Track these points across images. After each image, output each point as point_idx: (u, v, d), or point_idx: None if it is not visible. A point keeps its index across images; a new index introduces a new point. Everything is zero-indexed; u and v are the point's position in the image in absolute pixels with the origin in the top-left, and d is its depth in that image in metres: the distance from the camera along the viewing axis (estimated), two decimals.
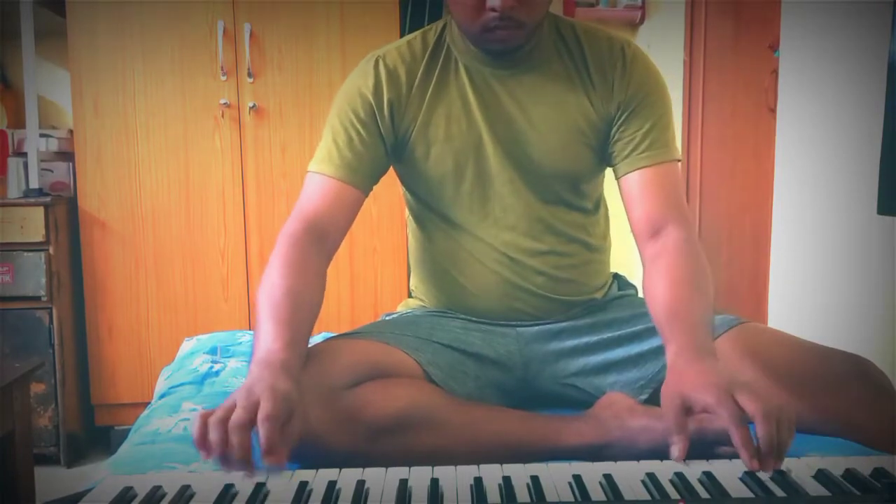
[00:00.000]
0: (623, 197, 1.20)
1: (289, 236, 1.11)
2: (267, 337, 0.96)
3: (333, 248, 1.16)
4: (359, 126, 1.18)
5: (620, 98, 1.19)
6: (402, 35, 2.58)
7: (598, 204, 1.31)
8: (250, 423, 0.81)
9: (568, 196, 1.24)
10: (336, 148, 1.17)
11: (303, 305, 1.03)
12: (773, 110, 2.84)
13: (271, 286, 1.03)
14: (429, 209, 1.26)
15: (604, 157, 1.24)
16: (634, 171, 1.18)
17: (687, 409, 0.88)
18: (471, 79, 1.19)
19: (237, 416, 0.81)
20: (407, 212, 1.35)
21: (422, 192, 1.26)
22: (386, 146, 1.20)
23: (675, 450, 0.85)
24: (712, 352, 0.96)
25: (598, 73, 1.19)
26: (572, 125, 1.19)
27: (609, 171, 1.28)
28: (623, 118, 1.19)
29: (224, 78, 2.53)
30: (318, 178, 1.17)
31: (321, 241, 1.13)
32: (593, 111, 1.19)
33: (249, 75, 2.54)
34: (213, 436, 0.80)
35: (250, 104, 2.55)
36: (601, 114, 1.19)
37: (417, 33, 1.24)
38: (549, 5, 1.15)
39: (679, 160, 1.21)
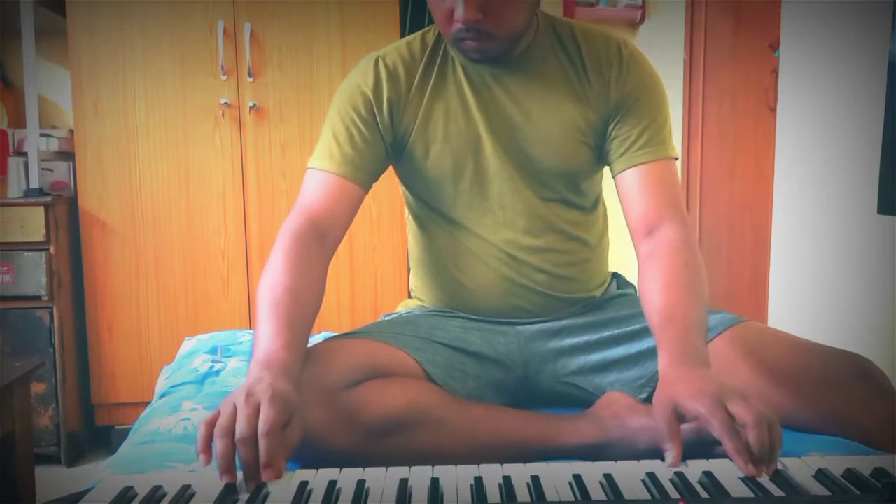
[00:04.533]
0: (619, 195, 1.20)
1: (290, 232, 1.10)
2: (266, 336, 0.96)
3: (334, 245, 1.16)
4: (359, 123, 1.18)
5: (617, 97, 1.19)
6: (402, 35, 2.59)
7: (597, 203, 1.31)
8: (255, 433, 0.81)
9: (567, 194, 1.24)
10: (337, 144, 1.17)
11: (303, 303, 1.03)
12: (773, 110, 2.84)
13: (272, 283, 1.03)
14: (428, 207, 1.27)
15: (601, 156, 1.24)
16: (630, 168, 1.17)
17: (679, 417, 0.88)
18: (468, 78, 1.20)
19: (242, 429, 0.80)
20: (406, 211, 1.35)
21: (421, 190, 1.26)
22: (385, 144, 1.20)
23: (669, 456, 0.85)
24: (705, 360, 0.95)
25: (594, 71, 1.19)
26: (569, 123, 1.19)
27: (607, 171, 1.28)
28: (619, 116, 1.19)
29: (224, 77, 2.53)
30: (318, 175, 1.17)
31: (322, 238, 1.13)
32: (590, 110, 1.19)
33: (249, 75, 2.54)
34: (219, 446, 0.80)
35: (250, 104, 2.55)
36: (598, 112, 1.20)
37: (417, 34, 1.25)
38: (529, 14, 1.14)
39: (676, 158, 1.20)
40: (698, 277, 1.08)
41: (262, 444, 0.80)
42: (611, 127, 1.20)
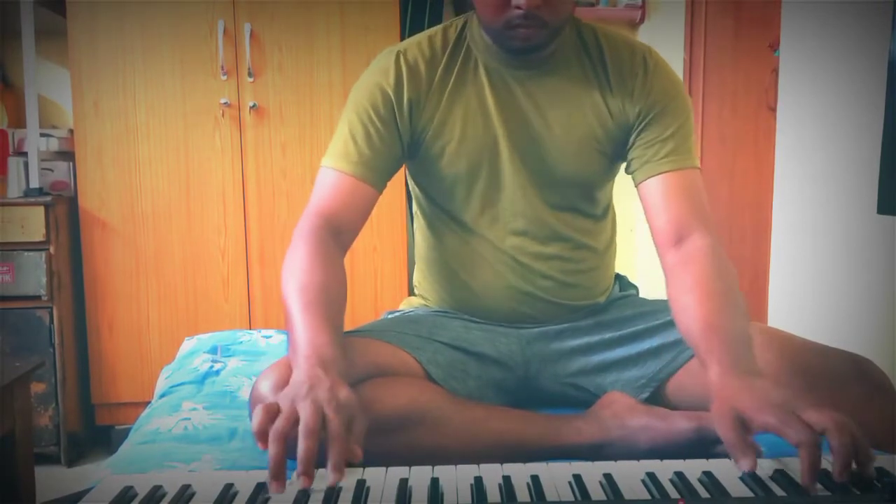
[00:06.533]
0: (644, 203, 1.17)
1: (308, 233, 1.09)
2: (309, 331, 0.94)
3: (348, 245, 1.15)
4: (377, 122, 1.16)
5: (641, 105, 1.17)
6: (402, 36, 2.59)
7: (607, 210, 1.30)
8: (318, 432, 0.78)
9: (579, 202, 1.23)
10: (353, 143, 1.15)
11: (335, 301, 1.02)
12: (773, 109, 2.84)
13: (302, 284, 1.01)
14: (438, 208, 1.26)
15: (613, 167, 1.22)
16: (655, 175, 1.15)
17: (744, 428, 0.83)
18: (489, 79, 1.18)
19: (306, 424, 0.78)
20: (414, 207, 1.34)
21: (433, 190, 1.25)
22: (402, 144, 1.18)
23: (746, 464, 0.79)
24: (758, 370, 0.91)
25: (617, 79, 1.18)
26: (588, 130, 1.18)
27: (618, 178, 1.27)
28: (643, 125, 1.17)
29: (224, 77, 2.53)
30: (333, 174, 1.15)
31: (337, 237, 1.12)
32: (610, 118, 1.18)
33: (250, 75, 2.54)
34: (273, 449, 0.76)
35: (250, 104, 2.55)
36: (618, 121, 1.18)
37: (438, 28, 1.22)
38: (573, 8, 1.13)
39: (700, 169, 1.18)
40: (734, 287, 1.05)
41: (333, 448, 0.77)
42: (633, 136, 1.18)
